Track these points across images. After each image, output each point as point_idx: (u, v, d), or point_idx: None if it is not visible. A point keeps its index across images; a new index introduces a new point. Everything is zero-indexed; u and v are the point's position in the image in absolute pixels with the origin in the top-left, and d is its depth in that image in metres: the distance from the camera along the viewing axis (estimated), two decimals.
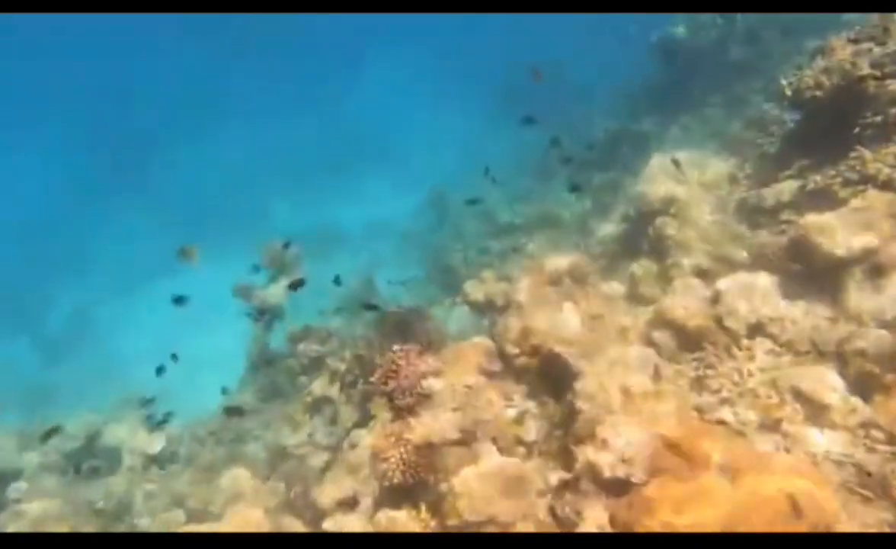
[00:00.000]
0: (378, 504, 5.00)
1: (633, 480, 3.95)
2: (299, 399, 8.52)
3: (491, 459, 4.67)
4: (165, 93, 35.31)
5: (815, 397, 4.33)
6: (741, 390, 4.62)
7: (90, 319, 21.49)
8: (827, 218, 5.20)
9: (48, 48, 38.92)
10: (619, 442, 4.12)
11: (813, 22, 10.42)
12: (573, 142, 11.89)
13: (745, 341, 4.97)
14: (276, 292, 10.22)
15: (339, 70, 35.70)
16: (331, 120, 30.30)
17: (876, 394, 4.26)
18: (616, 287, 6.71)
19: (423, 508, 4.67)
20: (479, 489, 4.37)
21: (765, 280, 5.27)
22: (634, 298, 6.59)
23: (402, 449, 4.81)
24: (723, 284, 5.37)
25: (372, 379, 5.56)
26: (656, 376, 4.88)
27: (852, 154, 5.65)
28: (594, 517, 3.99)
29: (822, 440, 4.14)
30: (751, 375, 4.69)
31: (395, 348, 5.43)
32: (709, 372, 4.86)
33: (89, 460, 9.85)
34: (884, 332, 4.50)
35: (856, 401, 4.27)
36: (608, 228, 8.70)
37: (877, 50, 5.85)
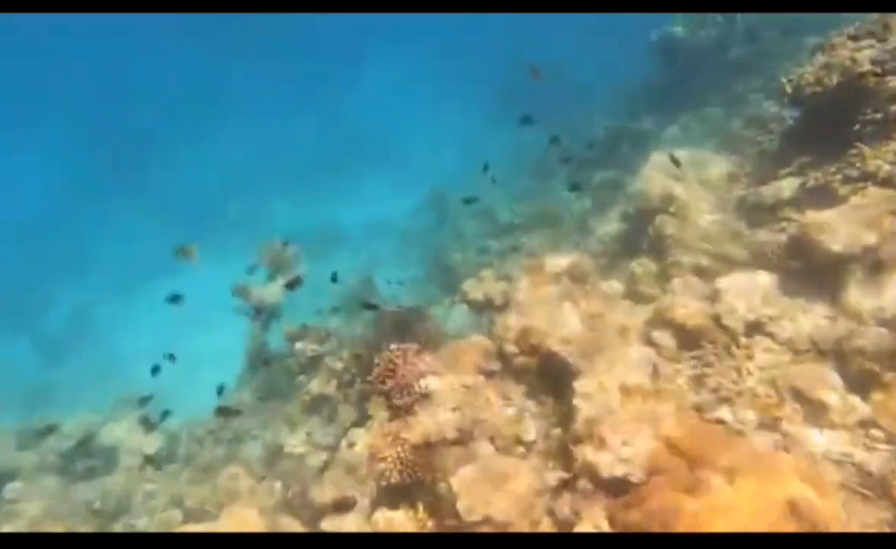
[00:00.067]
0: (375, 504, 4.97)
1: (632, 480, 3.93)
2: (297, 399, 8.50)
3: (489, 459, 4.64)
4: (165, 93, 35.39)
5: (815, 395, 4.31)
6: (740, 389, 4.59)
7: (90, 319, 21.48)
8: (827, 215, 5.18)
9: (48, 48, 39.01)
10: (618, 442, 4.10)
11: (813, 20, 10.41)
12: (573, 141, 11.89)
13: (744, 340, 4.94)
14: (273, 291, 10.21)
15: (339, 70, 35.75)
16: (331, 120, 30.33)
17: (875, 392, 4.24)
18: (615, 286, 6.69)
19: (421, 508, 4.65)
20: (476, 488, 4.34)
21: (764, 278, 5.26)
22: (634, 296, 6.56)
23: (399, 449, 4.78)
24: (722, 282, 5.36)
25: (369, 378, 5.54)
26: (655, 375, 4.86)
27: (852, 151, 5.62)
28: (592, 517, 3.96)
29: (822, 440, 4.11)
30: (750, 374, 4.67)
31: (392, 347, 5.41)
32: (707, 371, 4.83)
33: (87, 459, 9.83)
34: (883, 330, 4.47)
35: (855, 400, 4.25)
36: (608, 227, 8.67)
37: (877, 46, 5.83)
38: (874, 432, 4.06)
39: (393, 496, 4.83)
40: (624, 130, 13.54)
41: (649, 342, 5.30)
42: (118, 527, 8.60)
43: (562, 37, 23.35)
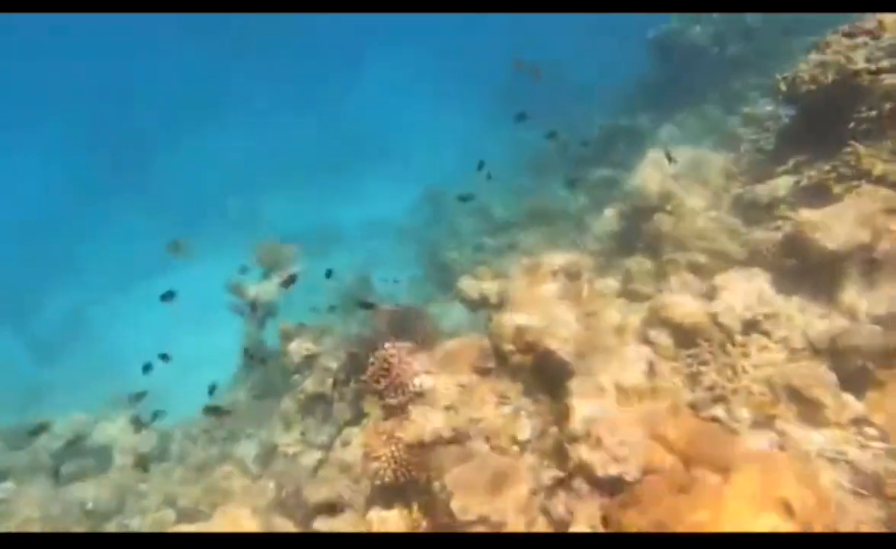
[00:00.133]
0: (369, 503, 4.95)
1: (627, 478, 3.90)
2: (292, 397, 8.47)
3: (484, 458, 4.62)
4: (165, 93, 35.40)
5: (809, 393, 4.28)
6: (735, 387, 4.57)
7: (87, 318, 21.45)
8: (822, 214, 5.16)
9: (48, 48, 39.03)
10: (614, 441, 4.07)
11: (811, 18, 10.37)
12: (571, 140, 11.86)
13: (739, 338, 4.92)
14: (269, 289, 10.19)
15: (339, 70, 35.73)
16: (331, 120, 30.31)
17: (870, 390, 4.22)
18: (611, 284, 6.67)
19: (415, 507, 4.62)
20: (471, 488, 4.32)
21: (760, 276, 5.23)
22: (630, 294, 6.54)
23: (393, 448, 4.76)
24: (718, 280, 5.34)
25: (364, 377, 5.51)
26: (651, 373, 4.83)
27: (847, 149, 5.60)
28: (587, 516, 3.94)
29: (816, 437, 4.09)
30: (745, 372, 4.65)
31: (387, 345, 5.39)
32: (703, 369, 4.81)
33: (79, 459, 9.79)
34: (878, 328, 4.46)
35: (849, 398, 4.23)
36: (604, 225, 8.65)
37: (871, 44, 5.81)
38: (868, 430, 4.05)
39: (387, 495, 4.80)
40: (620, 127, 13.52)
41: (645, 340, 5.28)
42: (111, 527, 8.57)
43: (562, 37, 23.34)
